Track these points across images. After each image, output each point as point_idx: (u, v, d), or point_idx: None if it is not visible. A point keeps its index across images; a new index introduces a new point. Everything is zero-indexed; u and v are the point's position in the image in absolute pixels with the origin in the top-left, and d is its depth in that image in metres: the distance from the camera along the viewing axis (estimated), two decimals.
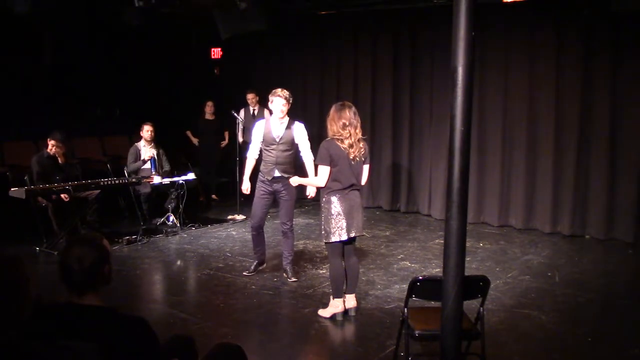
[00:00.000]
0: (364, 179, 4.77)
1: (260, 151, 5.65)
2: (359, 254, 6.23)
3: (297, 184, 5.18)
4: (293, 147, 5.59)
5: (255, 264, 5.92)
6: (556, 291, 5.52)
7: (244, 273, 5.86)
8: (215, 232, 7.65)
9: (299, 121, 5.69)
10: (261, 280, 5.72)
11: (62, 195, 6.67)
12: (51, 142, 6.93)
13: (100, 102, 10.19)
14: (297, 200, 9.59)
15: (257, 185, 5.68)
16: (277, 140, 5.52)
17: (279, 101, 5.41)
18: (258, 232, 5.76)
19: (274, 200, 5.75)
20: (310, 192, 5.41)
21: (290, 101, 5.49)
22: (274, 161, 5.52)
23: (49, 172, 6.94)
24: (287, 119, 5.55)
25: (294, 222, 5.79)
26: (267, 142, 5.55)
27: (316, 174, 4.66)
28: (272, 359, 4.24)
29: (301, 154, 5.64)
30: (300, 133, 5.60)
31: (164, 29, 9.54)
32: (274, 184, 5.57)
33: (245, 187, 5.76)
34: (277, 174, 5.53)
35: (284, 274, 5.76)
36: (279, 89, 5.47)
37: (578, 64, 7.20)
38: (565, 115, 7.37)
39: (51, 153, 6.97)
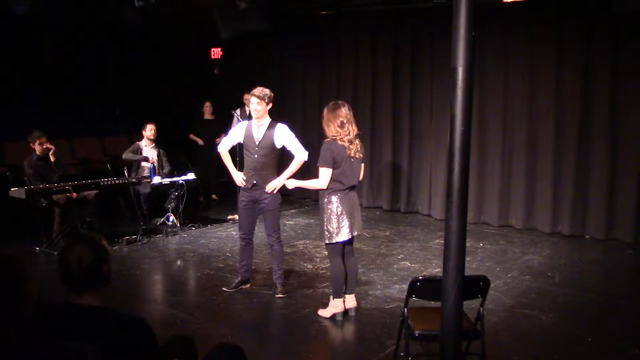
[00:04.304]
0: (361, 176, 4.76)
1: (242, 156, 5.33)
2: (359, 254, 6.24)
3: (293, 187, 4.95)
4: (274, 152, 5.15)
5: (237, 280, 5.46)
6: (556, 291, 5.51)
7: (224, 288, 5.43)
8: (215, 232, 7.65)
9: (282, 122, 5.23)
10: (261, 280, 5.71)
11: (70, 194, 6.66)
12: (38, 142, 6.83)
13: (100, 102, 10.19)
14: (297, 200, 9.78)
15: (239, 194, 5.36)
16: (257, 143, 5.11)
17: (251, 100, 5.06)
18: (246, 244, 5.36)
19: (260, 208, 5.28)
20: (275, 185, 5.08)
21: (267, 100, 5.05)
22: (253, 167, 5.13)
23: (43, 173, 6.89)
24: (267, 120, 5.13)
25: (281, 232, 5.40)
26: (247, 145, 5.18)
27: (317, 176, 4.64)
28: (272, 359, 4.24)
29: (293, 153, 5.20)
30: (282, 135, 5.12)
31: (164, 29, 9.55)
32: (254, 192, 5.16)
33: (238, 177, 5.28)
34: (255, 181, 5.14)
35: (274, 289, 5.36)
36: (258, 88, 5.10)
37: (578, 64, 7.19)
38: (565, 115, 7.37)
39: (41, 153, 6.88)
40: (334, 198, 4.57)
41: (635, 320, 4.90)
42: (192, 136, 9.81)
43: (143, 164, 7.79)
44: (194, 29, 10.22)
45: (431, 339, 3.50)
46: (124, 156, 7.86)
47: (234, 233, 7.51)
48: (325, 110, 4.61)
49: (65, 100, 9.45)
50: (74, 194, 6.66)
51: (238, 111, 8.78)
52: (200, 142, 9.75)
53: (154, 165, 7.69)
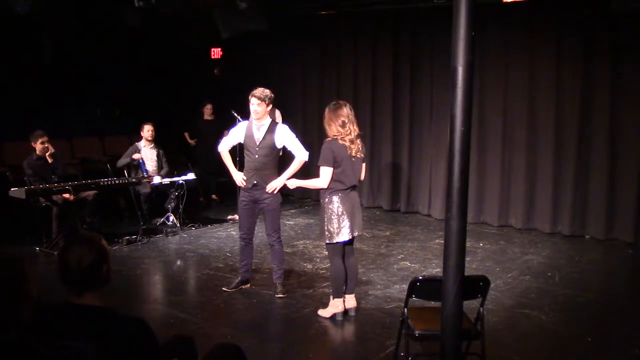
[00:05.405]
0: (362, 176, 4.76)
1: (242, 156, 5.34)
2: (359, 254, 6.24)
3: (294, 187, 4.94)
4: (274, 152, 5.17)
5: (237, 280, 5.47)
6: (556, 291, 5.52)
7: (223, 288, 5.43)
8: (215, 232, 7.65)
9: (282, 122, 5.18)
10: (261, 280, 5.71)
11: (65, 195, 6.64)
12: (40, 141, 6.81)
13: (100, 102, 10.19)
14: (297, 200, 9.78)
15: (239, 194, 5.37)
16: (257, 144, 5.13)
17: (251, 101, 5.06)
18: (246, 244, 5.36)
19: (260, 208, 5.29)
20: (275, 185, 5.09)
21: (267, 101, 5.05)
22: (254, 167, 5.14)
23: (42, 173, 6.87)
24: (268, 121, 5.16)
25: (281, 232, 5.40)
26: (248, 146, 5.19)
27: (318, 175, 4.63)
28: (272, 359, 4.24)
29: (293, 153, 5.21)
30: (283, 135, 5.15)
31: (164, 29, 9.54)
32: (254, 192, 5.17)
33: (239, 177, 5.29)
34: (256, 181, 5.15)
35: (273, 289, 5.37)
36: (259, 89, 5.09)
37: (578, 64, 7.19)
38: (565, 115, 7.37)
39: (40, 153, 6.86)
40: (335, 198, 4.57)
41: (635, 320, 4.90)
42: (185, 135, 9.80)
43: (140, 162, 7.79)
44: (194, 29, 10.21)
45: (431, 339, 3.50)
46: (118, 164, 7.85)
47: (234, 233, 7.51)
48: (326, 110, 4.62)
49: (65, 100, 9.43)
50: (71, 196, 6.64)
51: None
52: (192, 142, 9.74)
53: (142, 160, 7.67)
